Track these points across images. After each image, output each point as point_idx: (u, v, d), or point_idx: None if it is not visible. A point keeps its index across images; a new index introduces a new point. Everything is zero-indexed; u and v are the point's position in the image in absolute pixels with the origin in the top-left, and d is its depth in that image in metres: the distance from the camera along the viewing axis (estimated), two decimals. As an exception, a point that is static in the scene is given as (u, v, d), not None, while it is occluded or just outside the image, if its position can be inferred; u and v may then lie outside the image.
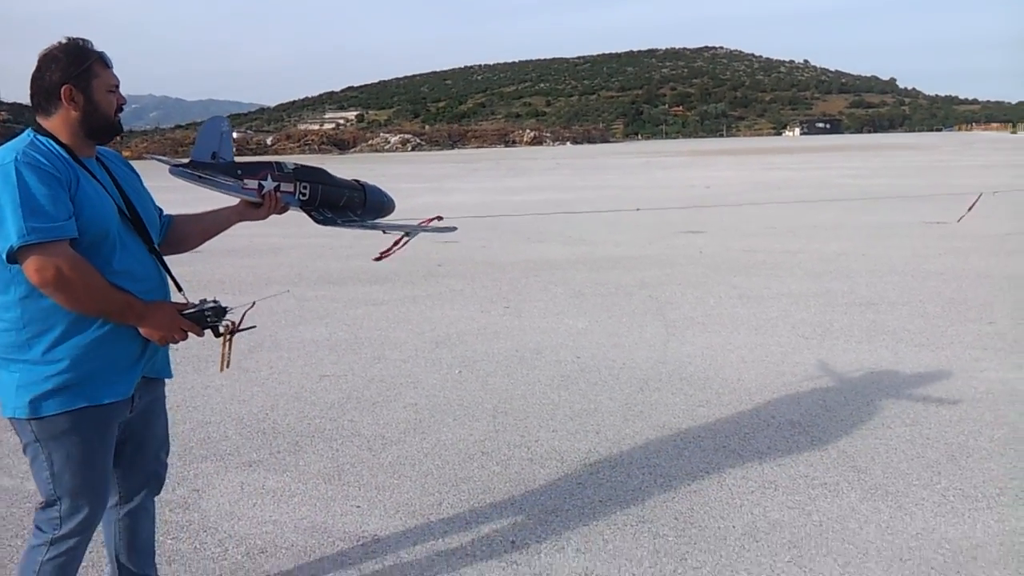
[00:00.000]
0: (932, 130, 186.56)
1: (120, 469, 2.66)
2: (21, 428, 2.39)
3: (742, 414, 4.70)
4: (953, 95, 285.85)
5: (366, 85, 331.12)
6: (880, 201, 17.14)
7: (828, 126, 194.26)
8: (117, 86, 2.44)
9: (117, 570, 2.79)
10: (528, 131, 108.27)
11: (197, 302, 2.49)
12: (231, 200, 2.91)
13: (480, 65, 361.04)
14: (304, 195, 3.04)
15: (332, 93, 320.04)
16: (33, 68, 2.38)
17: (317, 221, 3.14)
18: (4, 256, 2.20)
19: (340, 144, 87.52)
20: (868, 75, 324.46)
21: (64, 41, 2.38)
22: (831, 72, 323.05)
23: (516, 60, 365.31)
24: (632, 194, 21.07)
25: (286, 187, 2.96)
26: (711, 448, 4.22)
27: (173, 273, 2.63)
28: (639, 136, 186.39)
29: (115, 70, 2.46)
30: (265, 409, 5.01)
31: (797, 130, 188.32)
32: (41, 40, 2.44)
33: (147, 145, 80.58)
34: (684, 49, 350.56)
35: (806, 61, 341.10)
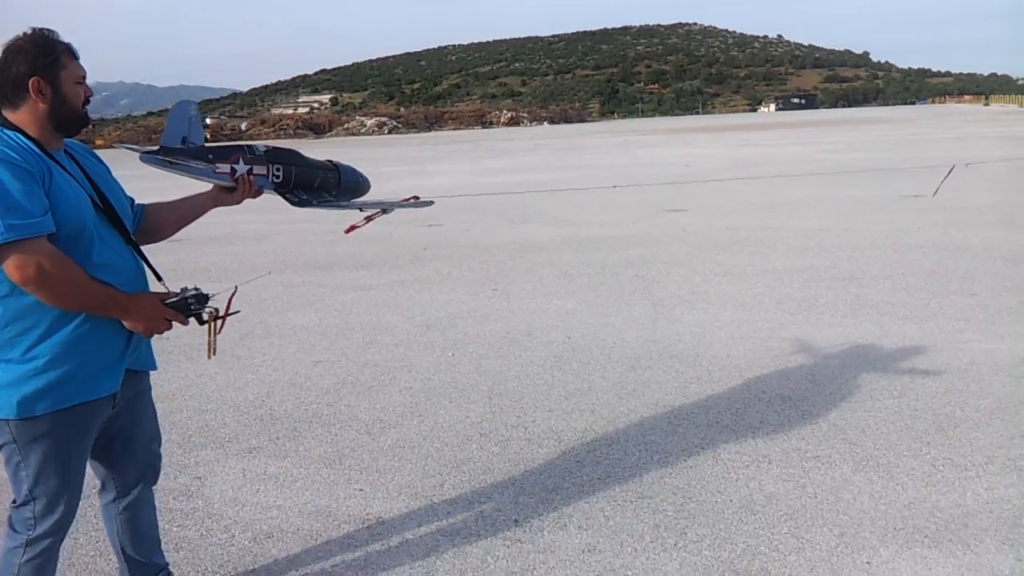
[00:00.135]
0: (906, 103, 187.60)
1: (114, 464, 2.66)
2: None
3: (733, 390, 4.78)
4: (926, 68, 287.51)
5: (339, 68, 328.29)
6: (858, 176, 17.28)
7: (803, 101, 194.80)
8: (84, 77, 2.40)
9: (125, 562, 2.80)
10: (505, 112, 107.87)
11: (178, 291, 2.47)
12: (204, 186, 2.88)
13: (454, 45, 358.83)
14: (278, 177, 3.02)
15: (305, 76, 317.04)
16: None
17: (292, 203, 3.13)
18: None
19: (316, 128, 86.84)
20: (841, 49, 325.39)
21: (29, 32, 2.32)
22: (804, 47, 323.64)
23: (490, 39, 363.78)
24: (612, 173, 21.11)
25: (259, 170, 2.94)
26: (704, 424, 4.30)
27: (153, 263, 2.59)
28: (615, 115, 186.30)
29: (85, 56, 2.43)
30: (261, 396, 5.04)
31: (772, 106, 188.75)
32: (8, 29, 2.36)
33: (120, 133, 79.54)
34: (658, 26, 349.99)
35: (779, 36, 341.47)
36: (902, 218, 10.89)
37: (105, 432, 2.54)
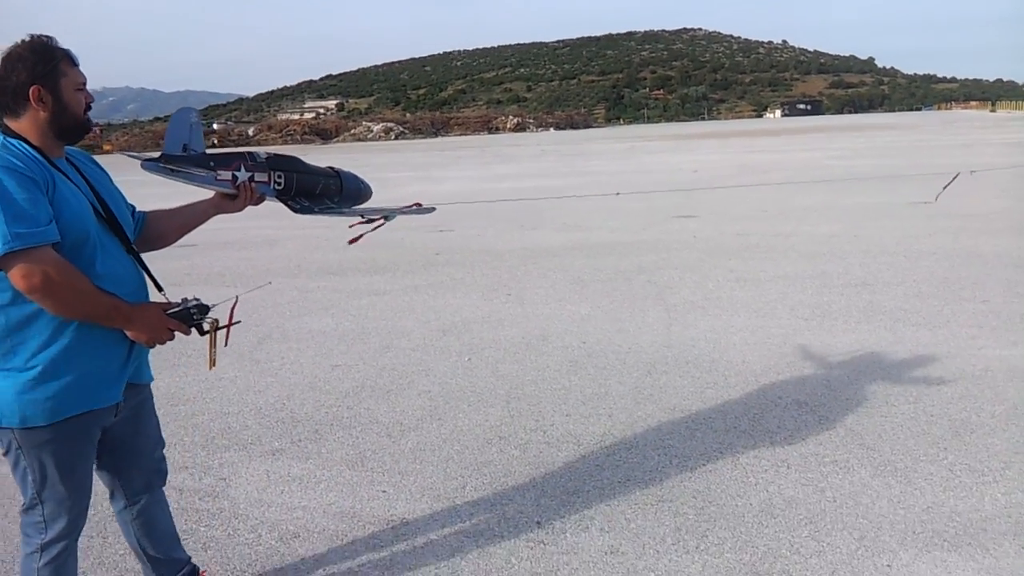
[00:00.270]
0: (912, 109, 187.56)
1: (120, 473, 2.68)
2: (2, 435, 2.35)
3: (750, 395, 4.82)
4: (931, 74, 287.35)
5: (345, 73, 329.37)
6: (866, 182, 17.32)
7: (809, 107, 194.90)
8: (85, 84, 2.38)
9: (148, 562, 2.82)
10: (511, 118, 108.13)
11: (180, 301, 2.47)
12: (206, 193, 2.89)
13: (459, 51, 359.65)
14: (279, 184, 3.02)
15: (311, 82, 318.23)
16: None
17: (294, 210, 3.12)
18: None
19: (323, 134, 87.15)
20: (847, 55, 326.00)
21: (28, 39, 2.29)
22: (810, 52, 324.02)
23: (495, 45, 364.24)
24: (620, 179, 21.18)
25: (260, 177, 2.93)
26: (722, 429, 4.34)
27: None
28: (621, 120, 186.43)
29: (90, 61, 2.41)
30: (282, 399, 5.09)
31: (778, 112, 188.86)
32: (12, 34, 2.34)
33: (127, 139, 79.88)
34: (663, 31, 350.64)
35: (784, 41, 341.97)
36: (912, 225, 10.92)
37: (109, 442, 2.55)
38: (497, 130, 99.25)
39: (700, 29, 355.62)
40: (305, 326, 6.85)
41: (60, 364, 2.28)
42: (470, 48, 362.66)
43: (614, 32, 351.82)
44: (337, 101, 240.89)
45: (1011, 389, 4.72)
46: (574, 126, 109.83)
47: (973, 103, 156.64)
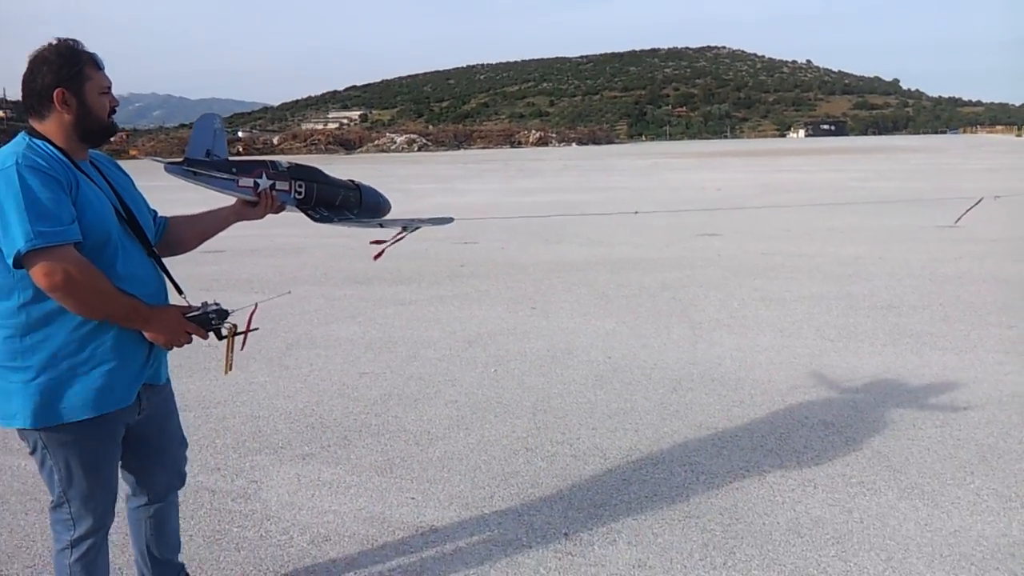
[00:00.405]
0: (936, 132, 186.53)
1: (144, 472, 2.70)
2: (27, 436, 2.39)
3: (776, 414, 4.84)
4: (957, 96, 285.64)
5: (369, 84, 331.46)
6: (892, 204, 17.28)
7: (833, 128, 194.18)
8: (109, 88, 2.40)
9: (149, 563, 2.83)
10: (534, 132, 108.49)
11: (200, 305, 2.49)
12: (227, 200, 2.93)
13: (483, 64, 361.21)
14: (299, 193, 3.04)
15: (335, 92, 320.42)
16: (24, 71, 2.33)
17: (314, 219, 3.15)
18: (10, 261, 2.17)
19: (347, 144, 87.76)
20: (871, 76, 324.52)
21: (55, 42, 2.33)
22: (834, 72, 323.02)
23: (519, 59, 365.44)
24: (643, 196, 21.23)
25: (281, 185, 2.96)
26: (749, 447, 4.36)
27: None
28: (643, 137, 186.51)
29: (118, 67, 2.47)
30: (311, 404, 5.16)
31: (802, 131, 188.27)
32: (42, 41, 2.37)
33: (152, 144, 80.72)
34: (687, 49, 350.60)
35: (808, 61, 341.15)
36: (938, 248, 10.89)
37: (134, 441, 2.58)
38: (519, 144, 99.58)
39: (724, 47, 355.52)
40: (332, 333, 6.93)
41: (80, 364, 2.31)
42: (493, 62, 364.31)
43: (638, 49, 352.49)
44: (361, 112, 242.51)
45: (1039, 416, 4.72)
46: (596, 141, 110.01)
47: (999, 127, 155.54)
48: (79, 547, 2.49)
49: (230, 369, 2.63)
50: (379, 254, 3.47)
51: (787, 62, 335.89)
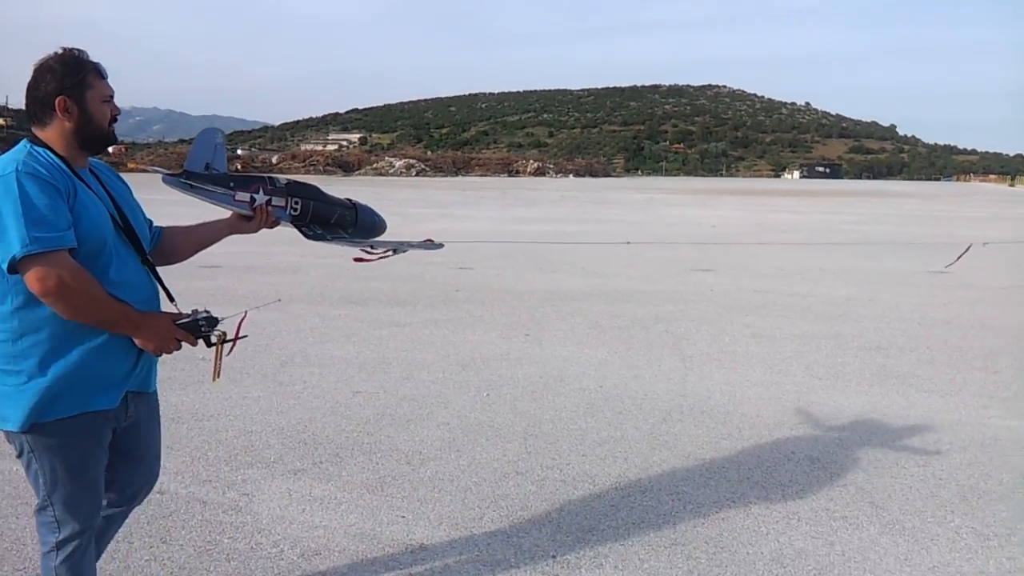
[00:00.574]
0: (931, 179, 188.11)
1: (119, 479, 2.70)
2: (14, 439, 2.41)
3: (763, 448, 4.91)
4: (952, 144, 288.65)
5: (370, 108, 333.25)
6: (884, 248, 17.46)
7: (828, 170, 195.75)
8: (112, 97, 2.44)
9: None
10: (532, 162, 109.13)
11: (190, 312, 2.52)
12: (223, 212, 2.98)
13: (484, 93, 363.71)
14: (295, 210, 3.08)
15: (336, 114, 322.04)
16: (29, 79, 2.38)
17: (307, 236, 3.19)
18: (5, 266, 2.21)
19: (345, 166, 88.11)
20: (868, 120, 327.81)
21: (60, 52, 2.38)
22: (832, 116, 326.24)
23: (520, 90, 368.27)
24: (639, 229, 21.39)
25: (278, 201, 3.01)
26: (735, 479, 4.43)
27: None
28: (640, 172, 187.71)
29: (121, 82, 2.49)
30: (304, 421, 5.21)
31: (796, 173, 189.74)
32: (49, 49, 2.42)
33: (152, 158, 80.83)
34: (687, 86, 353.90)
35: (807, 104, 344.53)
36: (929, 293, 11.02)
37: (117, 449, 2.60)
38: (517, 173, 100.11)
39: (724, 86, 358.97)
40: (327, 352, 6.99)
41: (70, 368, 2.34)
42: (495, 91, 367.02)
43: (639, 84, 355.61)
44: (360, 135, 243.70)
45: (1019, 459, 4.80)
46: (593, 174, 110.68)
47: (992, 176, 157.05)
48: (64, 549, 2.51)
49: (218, 376, 2.68)
50: (361, 259, 3.47)
51: (786, 103, 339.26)
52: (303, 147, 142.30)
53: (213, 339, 2.54)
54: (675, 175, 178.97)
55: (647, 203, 39.36)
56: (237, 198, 2.91)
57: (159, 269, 2.71)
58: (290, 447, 4.77)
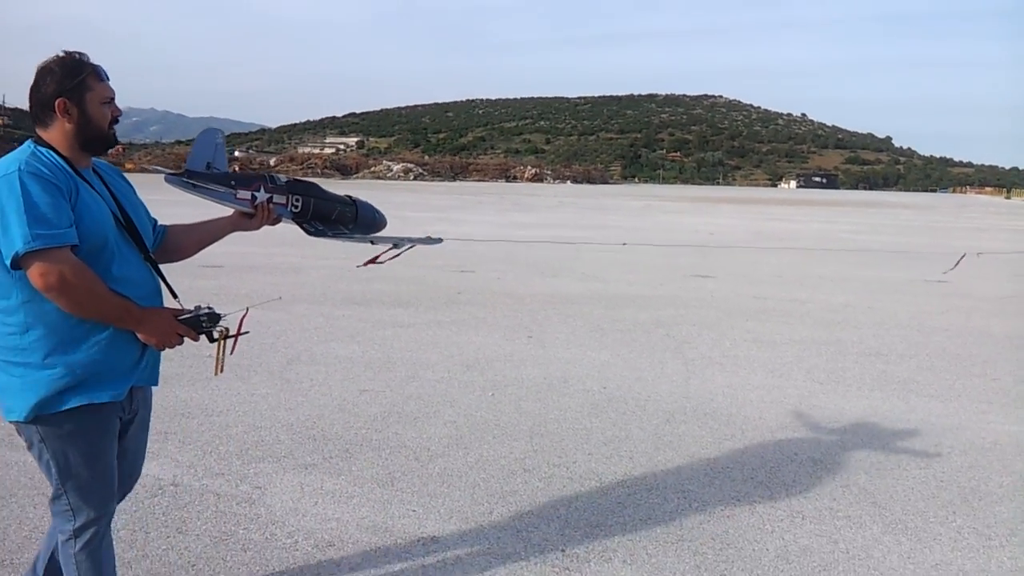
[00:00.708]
0: (926, 190, 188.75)
1: None
2: (24, 430, 2.47)
3: (766, 449, 4.98)
4: (948, 156, 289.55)
5: (368, 112, 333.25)
6: (882, 257, 17.57)
7: (824, 180, 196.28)
8: (112, 99, 2.49)
9: (48, 560, 2.77)
10: (529, 168, 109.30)
11: (192, 308, 2.56)
12: (225, 211, 3.03)
13: (482, 99, 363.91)
14: (296, 207, 3.14)
15: (334, 118, 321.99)
16: (31, 81, 2.44)
17: (308, 233, 3.24)
18: (8, 262, 2.27)
19: (343, 169, 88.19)
20: (864, 132, 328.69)
21: (61, 55, 2.44)
22: (828, 127, 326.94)
23: (518, 96, 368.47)
24: (637, 235, 21.47)
25: (279, 199, 3.07)
26: (740, 479, 4.49)
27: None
28: (636, 179, 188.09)
29: (118, 83, 2.55)
30: (312, 418, 5.27)
31: (793, 183, 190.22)
32: (47, 47, 2.50)
33: (149, 159, 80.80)
34: (684, 96, 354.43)
35: (803, 114, 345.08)
36: (927, 301, 11.11)
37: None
38: (515, 179, 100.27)
39: (721, 96, 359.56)
40: (332, 351, 7.04)
41: (76, 361, 2.39)
42: (493, 97, 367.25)
43: (636, 93, 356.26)
44: (358, 139, 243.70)
45: (1019, 462, 4.88)
46: (591, 181, 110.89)
47: (988, 188, 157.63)
48: (82, 536, 2.56)
49: (221, 371, 2.71)
50: (369, 262, 3.55)
51: (782, 114, 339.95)
52: (301, 150, 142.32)
53: (215, 335, 2.58)
54: (672, 183, 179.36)
55: (645, 210, 39.48)
56: (239, 196, 2.97)
57: (165, 266, 2.78)
58: (300, 442, 4.82)
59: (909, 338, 8.48)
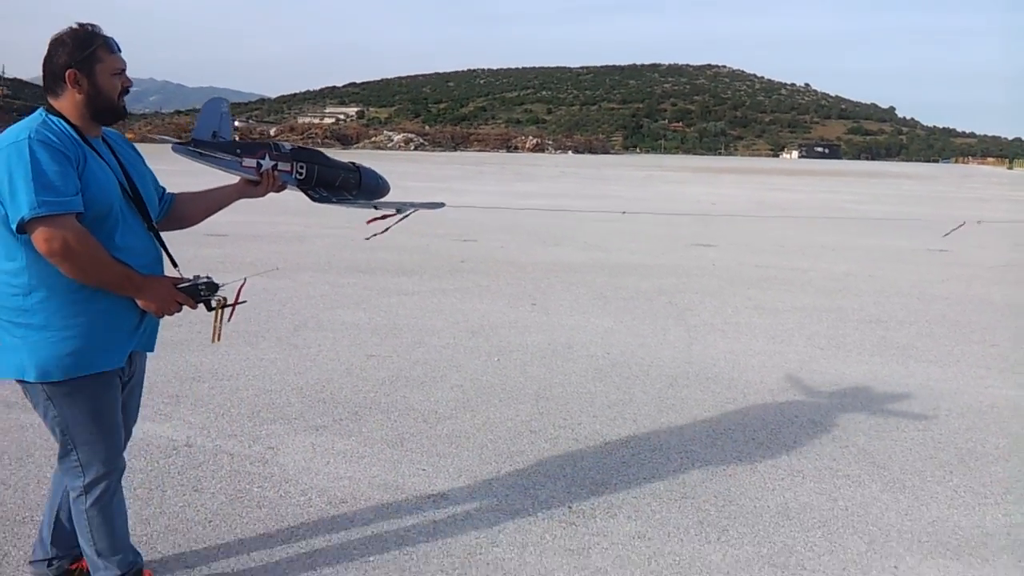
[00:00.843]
0: (929, 161, 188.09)
1: None
2: (29, 390, 2.54)
3: (767, 412, 5.07)
4: (951, 127, 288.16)
5: (368, 82, 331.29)
6: (883, 226, 17.61)
7: (827, 151, 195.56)
8: (123, 70, 2.54)
9: (52, 527, 2.86)
10: (530, 138, 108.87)
11: (191, 277, 2.63)
12: (231, 179, 3.10)
13: (483, 69, 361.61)
14: (301, 174, 3.21)
15: (334, 88, 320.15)
16: (44, 52, 2.48)
17: (313, 199, 3.32)
18: (14, 226, 2.33)
19: (343, 139, 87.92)
20: (867, 102, 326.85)
21: (75, 27, 2.49)
22: (831, 97, 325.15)
23: (519, 66, 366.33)
24: (639, 205, 21.50)
25: (283, 166, 3.14)
26: (741, 440, 4.59)
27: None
28: (638, 149, 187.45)
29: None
30: (321, 382, 5.36)
31: (795, 152, 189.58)
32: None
33: (149, 129, 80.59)
34: (687, 66, 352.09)
35: (807, 85, 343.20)
36: (927, 270, 11.18)
37: None
38: (516, 149, 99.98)
39: (724, 66, 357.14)
40: (339, 318, 7.13)
41: (79, 324, 2.46)
42: (494, 67, 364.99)
43: (638, 63, 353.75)
44: (358, 108, 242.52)
45: (1015, 425, 4.97)
46: (592, 151, 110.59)
47: (990, 159, 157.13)
48: (92, 492, 2.62)
49: (218, 339, 2.77)
50: (375, 234, 3.63)
51: (785, 84, 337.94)
52: (301, 120, 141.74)
53: (213, 304, 2.65)
54: (674, 153, 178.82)
55: (646, 180, 39.44)
56: (244, 164, 3.04)
57: (170, 234, 2.85)
58: (310, 405, 4.92)
59: (909, 305, 8.56)
